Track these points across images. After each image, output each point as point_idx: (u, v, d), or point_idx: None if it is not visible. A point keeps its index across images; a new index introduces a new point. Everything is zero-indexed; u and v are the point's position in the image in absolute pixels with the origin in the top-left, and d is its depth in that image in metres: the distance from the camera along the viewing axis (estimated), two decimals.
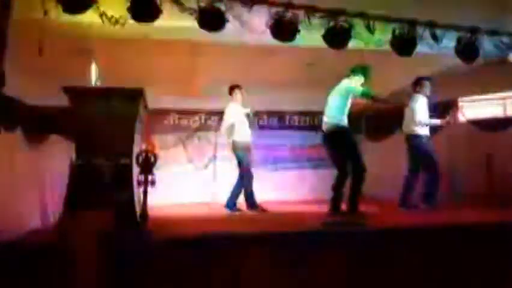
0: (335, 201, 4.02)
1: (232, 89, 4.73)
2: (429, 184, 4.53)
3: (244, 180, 4.53)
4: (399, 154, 4.95)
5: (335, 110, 4.11)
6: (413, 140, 4.62)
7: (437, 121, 4.73)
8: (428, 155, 4.56)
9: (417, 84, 4.74)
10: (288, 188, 6.06)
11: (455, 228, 3.24)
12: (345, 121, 4.10)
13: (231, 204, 4.54)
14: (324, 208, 4.06)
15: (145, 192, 3.09)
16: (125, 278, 2.42)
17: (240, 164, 4.58)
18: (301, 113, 6.54)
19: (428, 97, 4.71)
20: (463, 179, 5.10)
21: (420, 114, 4.58)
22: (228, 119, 4.68)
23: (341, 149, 4.10)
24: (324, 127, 4.23)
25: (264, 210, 4.47)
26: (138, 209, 3.11)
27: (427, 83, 4.72)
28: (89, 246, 2.39)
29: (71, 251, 2.38)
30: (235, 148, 4.62)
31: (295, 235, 2.94)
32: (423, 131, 4.61)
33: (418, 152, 4.61)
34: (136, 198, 3.16)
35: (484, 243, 3.10)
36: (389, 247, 2.91)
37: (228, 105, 4.75)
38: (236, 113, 4.68)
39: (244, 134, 4.68)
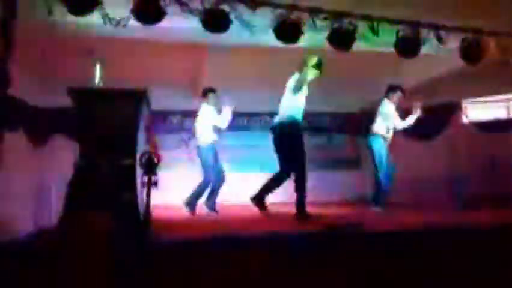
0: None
1: (206, 92, 4.73)
2: (377, 185, 4.74)
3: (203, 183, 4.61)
4: (400, 155, 4.95)
5: (282, 107, 4.08)
6: (368, 140, 4.87)
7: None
8: (378, 157, 4.75)
9: (389, 90, 4.90)
10: (289, 189, 6.04)
11: (457, 230, 3.23)
12: (292, 119, 3.97)
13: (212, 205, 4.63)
14: (325, 210, 4.06)
15: (148, 193, 3.08)
16: (127, 280, 2.42)
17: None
18: (304, 115, 6.53)
19: (396, 105, 4.88)
20: (466, 181, 5.08)
21: (387, 119, 4.79)
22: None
23: (283, 146, 4.03)
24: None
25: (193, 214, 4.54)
26: (141, 210, 3.11)
27: (398, 92, 4.87)
28: (90, 246, 2.39)
29: (72, 252, 2.37)
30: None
31: (296, 237, 2.94)
32: (381, 132, 4.80)
33: (370, 152, 4.85)
34: (139, 199, 3.16)
35: (487, 245, 3.09)
36: (389, 249, 2.91)
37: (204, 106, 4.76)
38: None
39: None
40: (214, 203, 4.65)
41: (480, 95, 5.33)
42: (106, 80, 3.33)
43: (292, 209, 4.04)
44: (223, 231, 3.34)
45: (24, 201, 3.45)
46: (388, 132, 4.85)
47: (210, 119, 4.72)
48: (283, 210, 4.85)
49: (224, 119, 4.73)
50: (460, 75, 4.82)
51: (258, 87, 5.24)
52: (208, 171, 4.62)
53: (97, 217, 2.59)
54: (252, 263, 2.62)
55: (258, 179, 5.85)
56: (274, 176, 4.06)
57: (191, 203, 4.57)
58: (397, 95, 4.87)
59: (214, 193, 4.67)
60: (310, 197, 5.87)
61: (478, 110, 5.44)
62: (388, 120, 4.84)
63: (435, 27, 3.81)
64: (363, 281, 2.76)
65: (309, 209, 4.59)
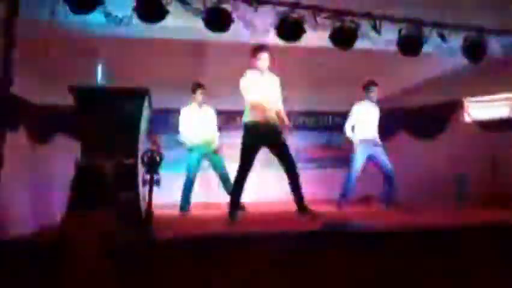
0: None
1: (195, 87, 4.67)
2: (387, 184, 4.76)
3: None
4: (401, 154, 4.96)
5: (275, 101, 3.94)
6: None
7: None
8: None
9: (363, 88, 4.83)
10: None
11: (457, 229, 3.22)
12: (246, 116, 3.81)
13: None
14: (325, 208, 4.06)
15: (150, 192, 3.09)
16: (128, 278, 2.42)
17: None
18: (306, 113, 6.53)
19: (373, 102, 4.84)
20: (468, 180, 5.08)
21: (349, 119, 4.83)
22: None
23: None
24: None
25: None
26: (143, 209, 3.12)
27: (371, 88, 4.78)
28: (91, 246, 2.39)
29: (73, 251, 2.38)
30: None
31: (295, 235, 2.94)
32: (358, 136, 4.78)
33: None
34: (141, 198, 3.17)
35: (487, 245, 3.08)
36: (389, 248, 2.91)
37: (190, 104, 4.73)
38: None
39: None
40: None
41: (483, 94, 5.31)
42: (108, 79, 3.34)
43: (290, 208, 4.02)
44: (224, 230, 3.34)
45: (26, 200, 3.46)
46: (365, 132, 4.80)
47: (188, 121, 4.68)
48: (284, 209, 4.87)
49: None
50: (462, 74, 4.81)
51: None
52: (188, 172, 4.58)
53: (99, 216, 2.59)
54: (252, 261, 2.62)
55: (259, 178, 5.87)
56: None
57: (181, 206, 4.54)
58: (372, 91, 4.80)
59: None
60: (312, 195, 5.90)
61: (480, 109, 5.42)
62: (350, 120, 4.86)
63: (438, 26, 3.80)
64: (363, 280, 2.76)
65: (313, 207, 4.59)
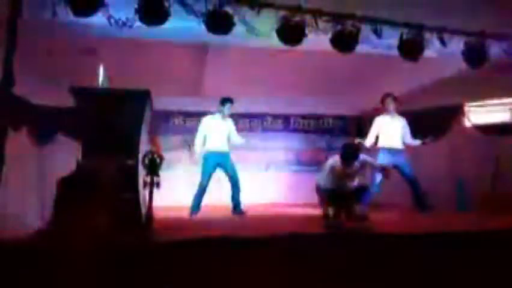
0: None
1: (224, 101, 4.71)
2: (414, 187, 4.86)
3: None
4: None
5: None
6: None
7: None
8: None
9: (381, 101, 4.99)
10: (291, 191, 6.05)
11: (458, 234, 3.22)
12: None
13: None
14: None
15: (151, 194, 3.09)
16: (126, 280, 2.42)
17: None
18: (306, 117, 6.55)
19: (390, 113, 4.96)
20: (468, 184, 5.07)
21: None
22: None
23: None
24: None
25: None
26: (143, 210, 3.12)
27: (388, 100, 4.92)
28: (87, 246, 2.39)
29: (70, 252, 2.38)
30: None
31: (297, 238, 2.94)
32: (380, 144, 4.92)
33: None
34: (141, 199, 3.17)
35: (488, 249, 3.07)
36: (390, 251, 2.90)
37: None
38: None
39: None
40: (237, 205, 4.66)
41: (483, 99, 5.31)
42: (109, 80, 3.34)
43: (294, 211, 4.03)
44: (223, 231, 3.33)
45: (28, 200, 3.46)
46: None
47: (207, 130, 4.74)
48: (285, 211, 4.87)
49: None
50: (462, 78, 4.81)
51: (260, 89, 5.25)
52: (201, 177, 4.64)
53: (96, 217, 2.59)
54: (252, 263, 2.62)
55: (258, 180, 5.88)
56: None
57: (191, 205, 4.58)
58: (389, 103, 4.94)
59: (234, 196, 4.69)
60: (310, 199, 5.90)
61: (480, 114, 5.42)
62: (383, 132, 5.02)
63: (439, 30, 3.81)
64: (363, 281, 2.76)
65: (311, 210, 4.60)
